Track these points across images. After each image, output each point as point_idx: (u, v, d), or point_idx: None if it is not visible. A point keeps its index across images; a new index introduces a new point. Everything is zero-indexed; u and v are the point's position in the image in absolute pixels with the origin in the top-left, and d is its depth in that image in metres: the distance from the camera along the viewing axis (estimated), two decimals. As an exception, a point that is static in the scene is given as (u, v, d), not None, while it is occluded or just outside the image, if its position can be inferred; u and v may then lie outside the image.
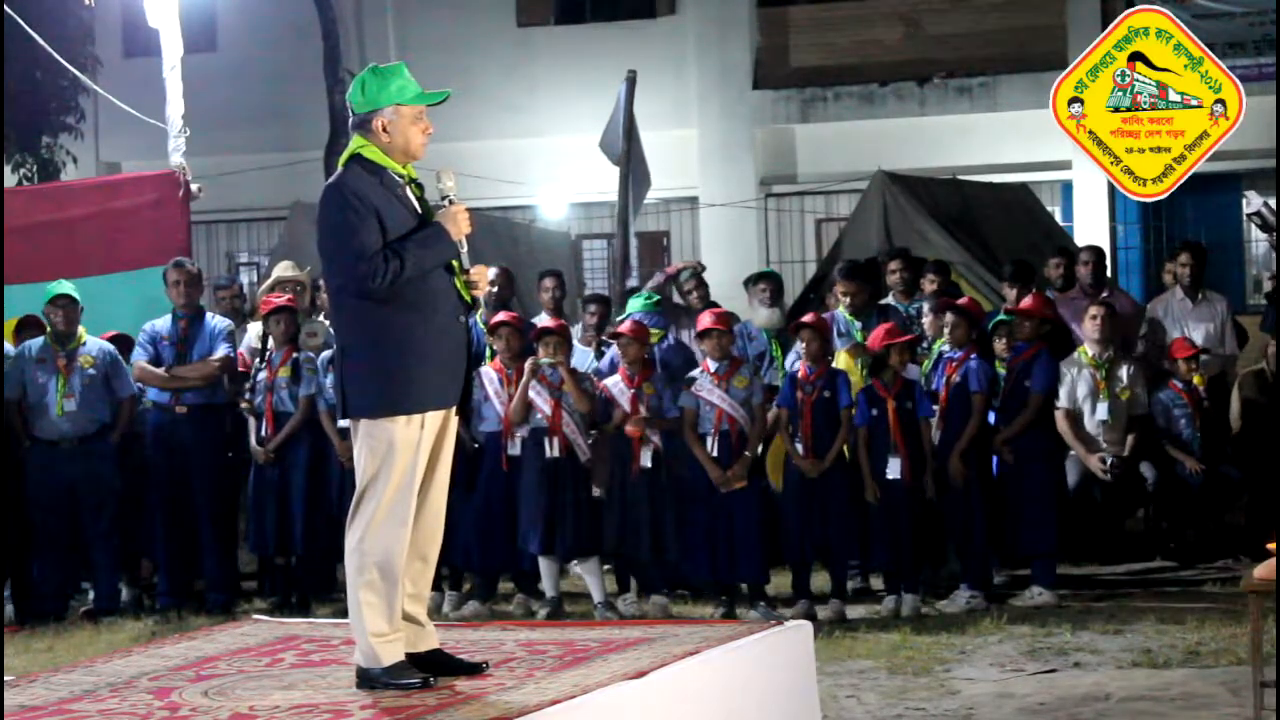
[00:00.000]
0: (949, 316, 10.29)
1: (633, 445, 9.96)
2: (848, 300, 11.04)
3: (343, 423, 9.84)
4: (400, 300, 5.71)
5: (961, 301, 10.53)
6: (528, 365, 9.93)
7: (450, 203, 5.84)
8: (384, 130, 5.80)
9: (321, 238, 5.81)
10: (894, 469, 9.89)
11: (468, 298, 5.89)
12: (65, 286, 10.69)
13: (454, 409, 5.89)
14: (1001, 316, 10.82)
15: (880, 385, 10.01)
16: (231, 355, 10.82)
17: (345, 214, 5.70)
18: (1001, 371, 10.39)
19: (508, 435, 10.09)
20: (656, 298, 11.43)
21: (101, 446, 10.71)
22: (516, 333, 10.23)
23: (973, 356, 10.18)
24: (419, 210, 5.83)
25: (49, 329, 10.73)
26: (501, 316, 10.32)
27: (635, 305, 10.99)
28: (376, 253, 5.65)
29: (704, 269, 12.54)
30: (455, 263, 5.84)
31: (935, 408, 10.10)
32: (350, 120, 5.92)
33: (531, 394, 9.95)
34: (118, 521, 10.76)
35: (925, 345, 10.95)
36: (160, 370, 10.66)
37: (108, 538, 10.70)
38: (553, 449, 9.92)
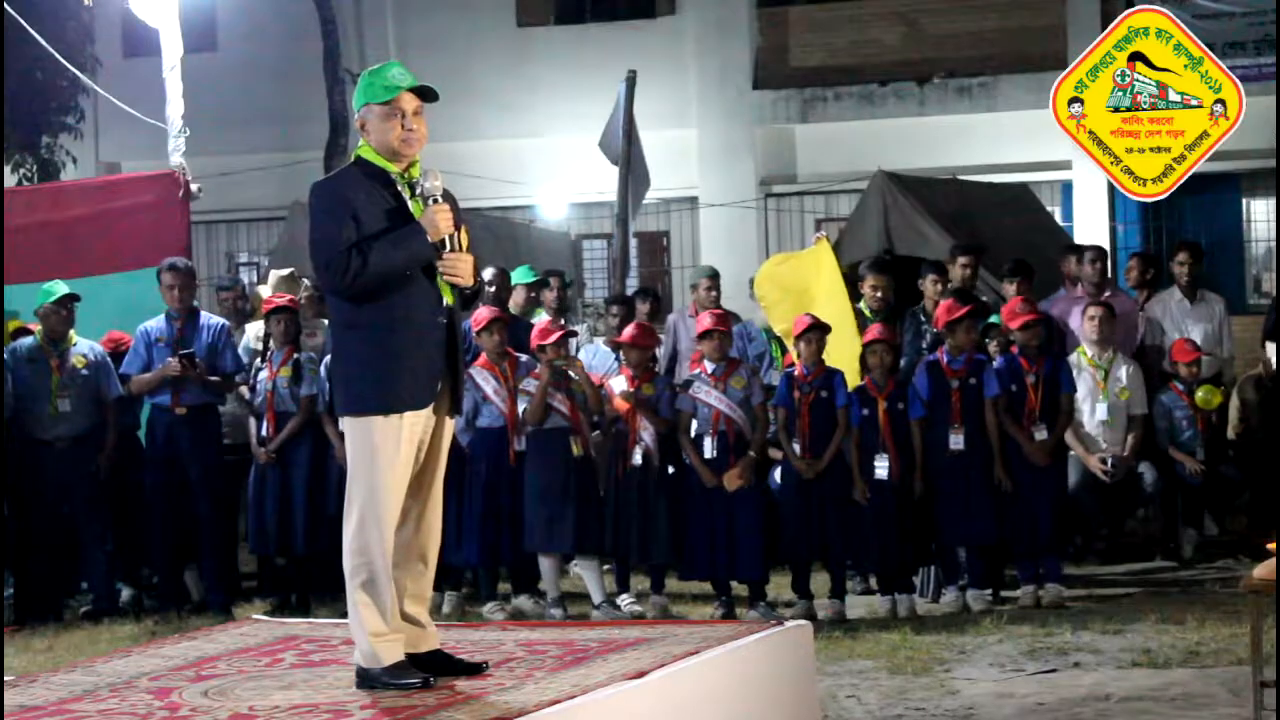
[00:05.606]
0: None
1: (625, 443, 9.98)
2: (878, 295, 11.06)
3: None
4: (379, 300, 5.71)
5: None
6: (542, 368, 9.91)
7: (434, 204, 5.81)
8: (364, 130, 5.83)
9: (309, 237, 5.86)
10: (882, 469, 9.90)
11: (450, 299, 5.85)
12: (62, 288, 10.68)
13: (448, 411, 5.88)
14: (995, 319, 10.80)
15: (872, 386, 10.02)
16: (245, 369, 10.80)
17: (321, 214, 5.74)
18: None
19: (513, 433, 10.07)
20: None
21: (94, 448, 10.70)
22: (505, 327, 10.23)
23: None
24: (407, 211, 5.78)
25: (41, 330, 10.72)
26: (491, 313, 10.24)
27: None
28: (344, 251, 5.65)
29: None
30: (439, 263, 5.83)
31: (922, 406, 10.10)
32: None
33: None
34: (111, 522, 10.75)
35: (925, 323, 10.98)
36: (151, 374, 10.62)
37: (102, 539, 10.70)
38: (579, 447, 9.92)
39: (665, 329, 12.47)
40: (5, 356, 10.71)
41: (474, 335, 10.17)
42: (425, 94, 5.82)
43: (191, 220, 11.96)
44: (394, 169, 5.81)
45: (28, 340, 10.78)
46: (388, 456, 5.70)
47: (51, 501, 10.64)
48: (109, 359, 10.83)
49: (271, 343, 10.70)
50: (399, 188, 5.81)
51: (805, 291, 11.03)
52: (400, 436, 5.71)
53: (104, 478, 10.71)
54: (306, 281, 11.67)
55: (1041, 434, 10.09)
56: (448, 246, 5.75)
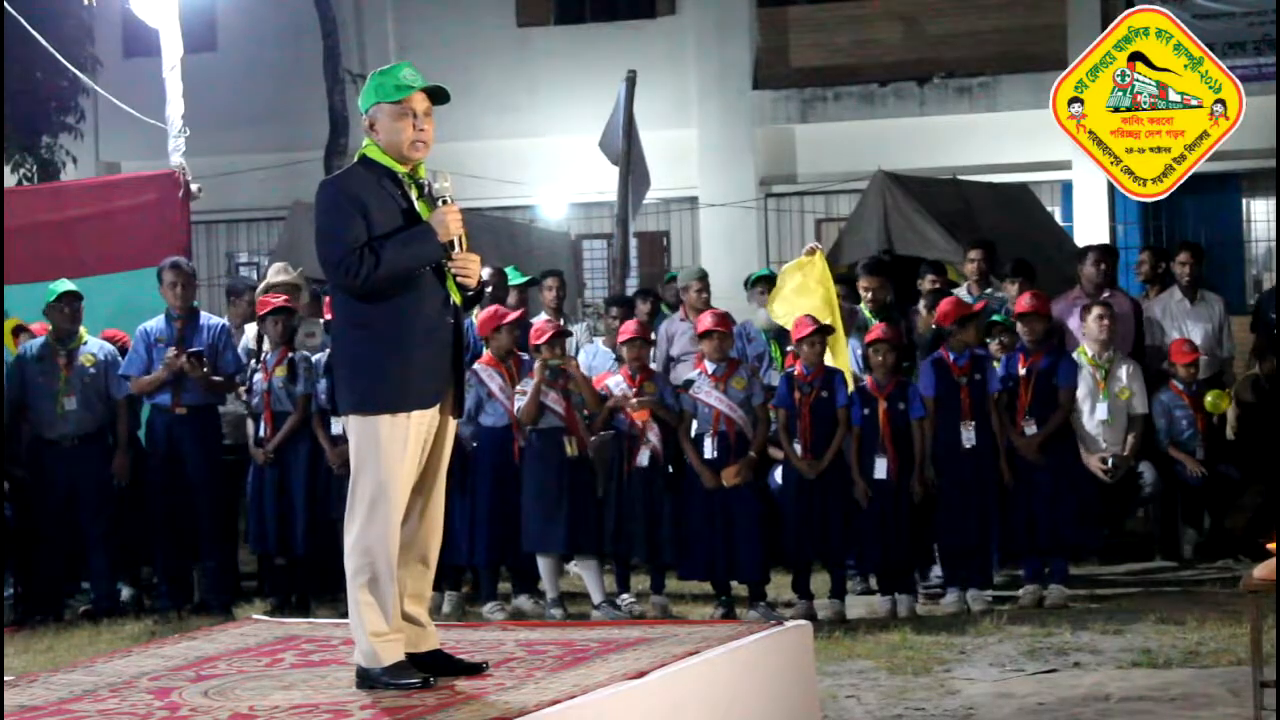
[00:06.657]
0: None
1: (628, 443, 9.97)
2: (869, 296, 11.07)
3: (336, 428, 9.94)
4: (386, 298, 5.70)
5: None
6: (537, 367, 9.92)
7: (444, 204, 5.82)
8: (373, 129, 5.82)
9: (315, 235, 5.84)
10: (880, 469, 9.90)
11: (458, 299, 5.86)
12: (67, 285, 10.69)
13: (452, 411, 5.87)
14: (997, 318, 10.80)
15: (873, 385, 10.02)
16: (244, 369, 10.79)
17: (331, 212, 5.74)
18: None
19: (517, 431, 10.06)
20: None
21: (101, 447, 10.71)
22: (515, 325, 10.24)
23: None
24: (415, 211, 5.79)
25: (52, 328, 10.74)
26: (498, 312, 10.27)
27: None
28: (355, 250, 5.65)
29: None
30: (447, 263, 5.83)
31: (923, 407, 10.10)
32: None
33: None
34: (116, 522, 10.76)
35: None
36: (152, 375, 10.60)
37: (106, 538, 10.70)
38: (573, 448, 9.91)
39: (657, 336, 12.44)
40: (15, 356, 10.72)
41: (480, 334, 10.19)
42: (436, 95, 5.83)
43: (191, 220, 11.96)
44: (401, 169, 5.81)
45: (39, 340, 10.80)
46: (394, 456, 5.69)
47: (57, 500, 10.65)
48: (120, 359, 10.82)
49: (266, 343, 10.70)
50: (406, 188, 5.81)
51: (824, 298, 11.00)
52: (407, 436, 5.71)
53: (121, 484, 10.70)
54: (300, 269, 11.59)
55: (1030, 429, 10.07)
56: (456, 247, 5.76)
